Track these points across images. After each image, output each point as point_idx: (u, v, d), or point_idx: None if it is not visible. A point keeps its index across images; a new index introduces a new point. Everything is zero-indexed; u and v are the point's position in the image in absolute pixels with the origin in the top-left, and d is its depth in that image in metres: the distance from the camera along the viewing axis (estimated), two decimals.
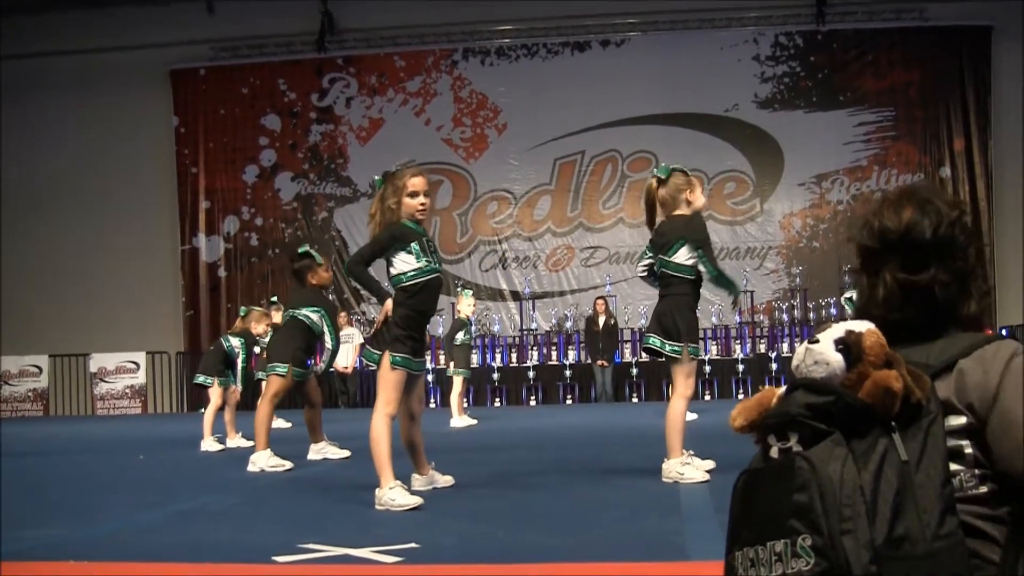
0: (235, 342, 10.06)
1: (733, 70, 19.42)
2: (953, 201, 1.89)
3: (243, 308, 10.89)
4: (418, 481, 5.83)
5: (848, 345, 1.74)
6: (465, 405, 13.31)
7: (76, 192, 20.48)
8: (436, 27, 19.95)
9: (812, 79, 19.49)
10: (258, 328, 10.43)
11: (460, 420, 12.31)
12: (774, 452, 1.72)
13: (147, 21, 19.95)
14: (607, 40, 19.92)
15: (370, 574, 3.72)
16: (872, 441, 1.65)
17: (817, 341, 1.77)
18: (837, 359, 1.73)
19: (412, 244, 5.34)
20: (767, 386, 1.86)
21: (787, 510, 1.61)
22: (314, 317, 7.86)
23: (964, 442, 1.75)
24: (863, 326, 1.77)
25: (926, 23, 19.12)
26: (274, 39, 20.41)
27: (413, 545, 4.07)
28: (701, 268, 5.95)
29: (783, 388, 1.80)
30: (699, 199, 6.08)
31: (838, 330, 1.77)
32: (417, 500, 5.16)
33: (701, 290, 6.09)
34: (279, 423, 12.28)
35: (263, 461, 7.42)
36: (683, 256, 5.91)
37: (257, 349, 11.11)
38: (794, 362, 1.79)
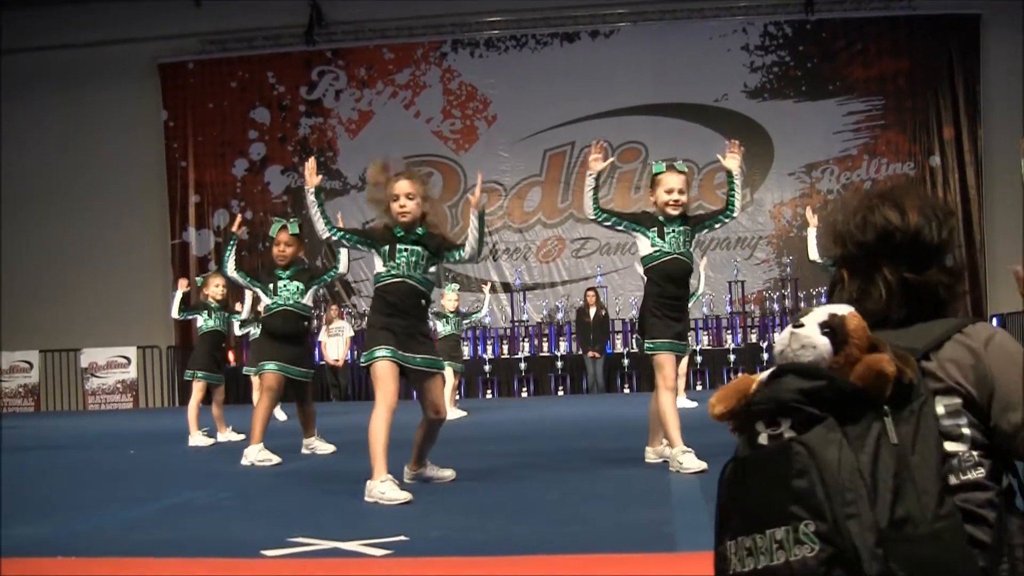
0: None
1: (722, 60, 19.41)
2: (947, 208, 1.93)
3: (199, 278, 10.38)
4: (409, 474, 5.83)
5: (833, 328, 1.72)
6: (456, 397, 13.30)
7: (65, 187, 20.42)
8: (425, 19, 19.91)
9: (801, 69, 19.49)
10: (209, 289, 9.85)
11: (451, 412, 12.29)
12: (763, 439, 1.69)
13: (134, 15, 19.86)
14: (596, 31, 19.89)
15: (359, 568, 3.71)
16: (866, 425, 1.63)
17: (802, 325, 1.74)
18: (824, 343, 1.71)
19: (383, 248, 5.65)
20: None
21: (786, 496, 1.59)
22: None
23: (961, 421, 1.74)
24: (844, 309, 1.75)
25: (915, 12, 19.12)
26: (262, 32, 20.34)
27: (402, 538, 4.06)
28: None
29: (763, 374, 1.78)
30: (658, 197, 6.18)
31: (821, 314, 1.75)
32: (406, 495, 5.14)
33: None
34: (280, 415, 12.30)
35: (253, 455, 7.42)
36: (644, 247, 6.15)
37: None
38: (778, 347, 1.77)
